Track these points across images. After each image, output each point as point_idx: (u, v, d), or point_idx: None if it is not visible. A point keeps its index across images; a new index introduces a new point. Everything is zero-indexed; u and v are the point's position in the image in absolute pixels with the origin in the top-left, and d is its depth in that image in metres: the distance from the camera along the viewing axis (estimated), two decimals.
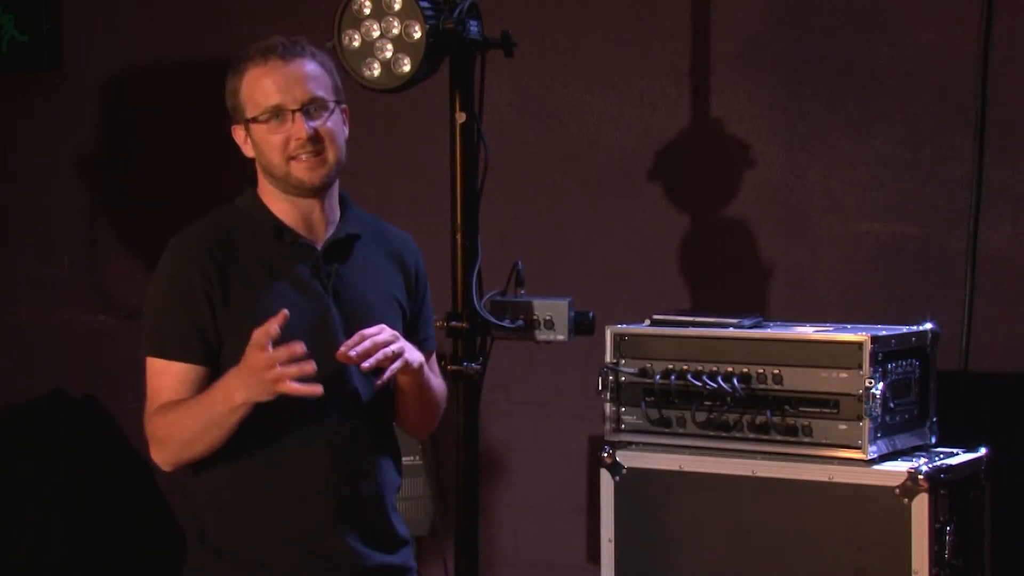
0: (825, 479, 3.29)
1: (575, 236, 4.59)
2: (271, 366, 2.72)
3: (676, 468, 3.45)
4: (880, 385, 3.28)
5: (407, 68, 3.48)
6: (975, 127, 4.01)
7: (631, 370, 3.51)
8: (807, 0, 4.23)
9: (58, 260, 5.49)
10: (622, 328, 3.57)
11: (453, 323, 3.54)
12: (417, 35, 3.46)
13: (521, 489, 4.72)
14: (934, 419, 3.54)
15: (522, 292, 3.61)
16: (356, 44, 3.49)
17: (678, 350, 3.49)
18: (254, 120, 2.93)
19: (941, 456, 3.40)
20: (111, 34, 5.35)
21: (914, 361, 3.47)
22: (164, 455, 2.89)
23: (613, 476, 3.51)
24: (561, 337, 3.57)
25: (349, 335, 2.90)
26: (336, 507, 2.93)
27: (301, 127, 2.91)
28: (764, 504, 3.35)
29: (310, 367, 2.74)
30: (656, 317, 3.61)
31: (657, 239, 4.45)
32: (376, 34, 3.50)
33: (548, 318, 3.56)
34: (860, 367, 3.28)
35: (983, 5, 3.99)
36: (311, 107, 2.93)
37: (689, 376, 3.45)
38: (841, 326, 3.57)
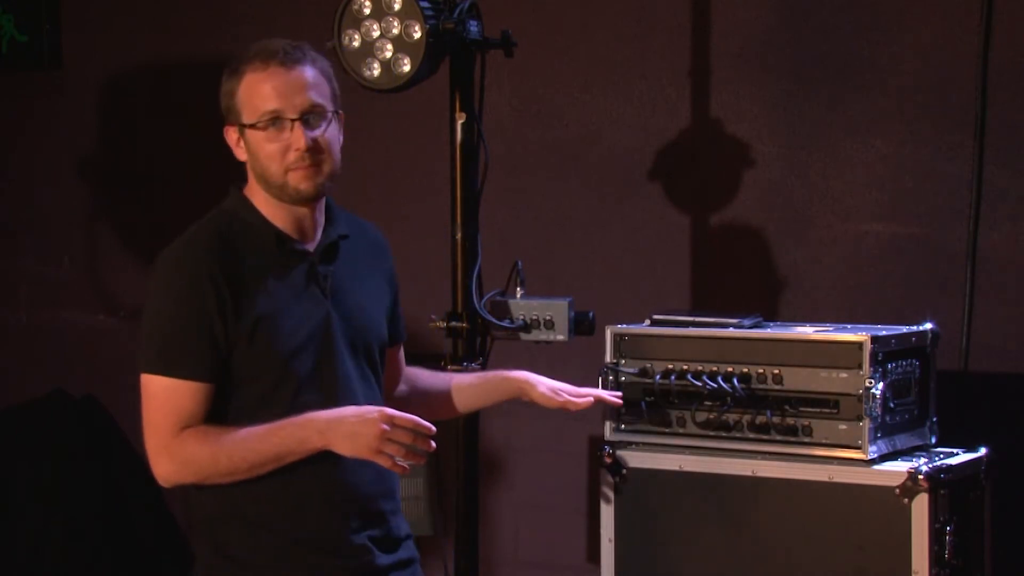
0: (825, 479, 3.29)
1: (575, 236, 4.59)
2: (386, 440, 2.78)
3: (676, 468, 3.45)
4: (880, 385, 3.28)
5: (407, 68, 3.48)
6: (975, 127, 4.01)
7: (631, 370, 3.51)
8: (807, 0, 4.23)
9: (58, 260, 5.49)
10: (622, 328, 3.57)
11: (453, 323, 3.54)
12: (417, 35, 3.46)
13: (521, 489, 4.72)
14: (934, 419, 3.54)
15: (522, 292, 3.61)
16: (356, 44, 3.49)
17: (678, 350, 3.49)
18: (251, 126, 2.88)
19: (941, 456, 3.40)
20: (111, 34, 5.35)
21: (914, 361, 3.47)
22: (187, 476, 2.85)
23: (613, 476, 3.51)
24: (561, 337, 3.57)
25: (348, 339, 2.93)
26: (350, 512, 2.92)
27: (300, 137, 2.86)
28: (764, 504, 3.35)
29: (427, 446, 2.82)
30: (656, 317, 3.61)
31: (657, 239, 4.45)
32: (376, 34, 3.50)
33: (548, 318, 3.56)
34: (860, 367, 3.28)
35: (983, 5, 3.99)
36: (310, 116, 2.88)
37: (689, 376, 3.45)
38: (841, 326, 3.57)
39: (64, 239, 5.48)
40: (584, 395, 3.30)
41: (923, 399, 3.51)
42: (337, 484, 2.90)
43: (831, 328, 3.52)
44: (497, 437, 4.63)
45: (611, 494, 3.51)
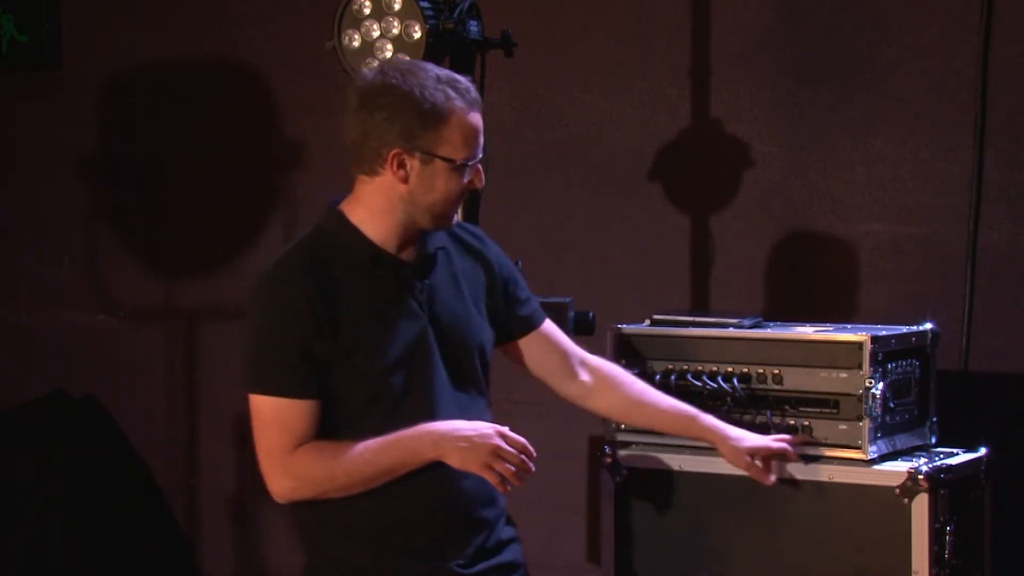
0: (825, 479, 3.29)
1: (575, 236, 4.59)
2: (499, 455, 2.91)
3: (676, 468, 3.45)
4: (880, 385, 3.28)
5: None
6: (975, 127, 4.01)
7: (631, 370, 3.51)
8: (807, 0, 4.23)
9: (58, 260, 5.49)
10: (622, 328, 3.57)
11: None
12: (417, 35, 3.46)
13: (521, 489, 4.70)
14: (934, 419, 3.54)
15: None
16: (356, 44, 3.49)
17: (678, 350, 3.49)
18: (447, 160, 2.87)
19: (941, 456, 3.39)
20: (111, 34, 5.35)
21: (914, 361, 3.47)
22: (305, 492, 2.88)
23: (613, 476, 3.51)
24: None
25: (444, 353, 2.94)
26: (453, 520, 2.96)
27: (483, 178, 2.94)
28: (764, 504, 3.35)
29: (529, 470, 2.98)
30: (656, 317, 3.61)
31: (657, 239, 4.45)
32: (376, 34, 3.50)
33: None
34: (860, 367, 3.28)
35: (983, 5, 3.99)
36: None
37: (689, 376, 3.45)
38: (841, 326, 3.57)
39: (64, 239, 5.47)
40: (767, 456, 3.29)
41: (923, 399, 3.51)
42: (440, 493, 2.93)
43: (831, 328, 3.52)
44: None
45: (611, 494, 3.51)
